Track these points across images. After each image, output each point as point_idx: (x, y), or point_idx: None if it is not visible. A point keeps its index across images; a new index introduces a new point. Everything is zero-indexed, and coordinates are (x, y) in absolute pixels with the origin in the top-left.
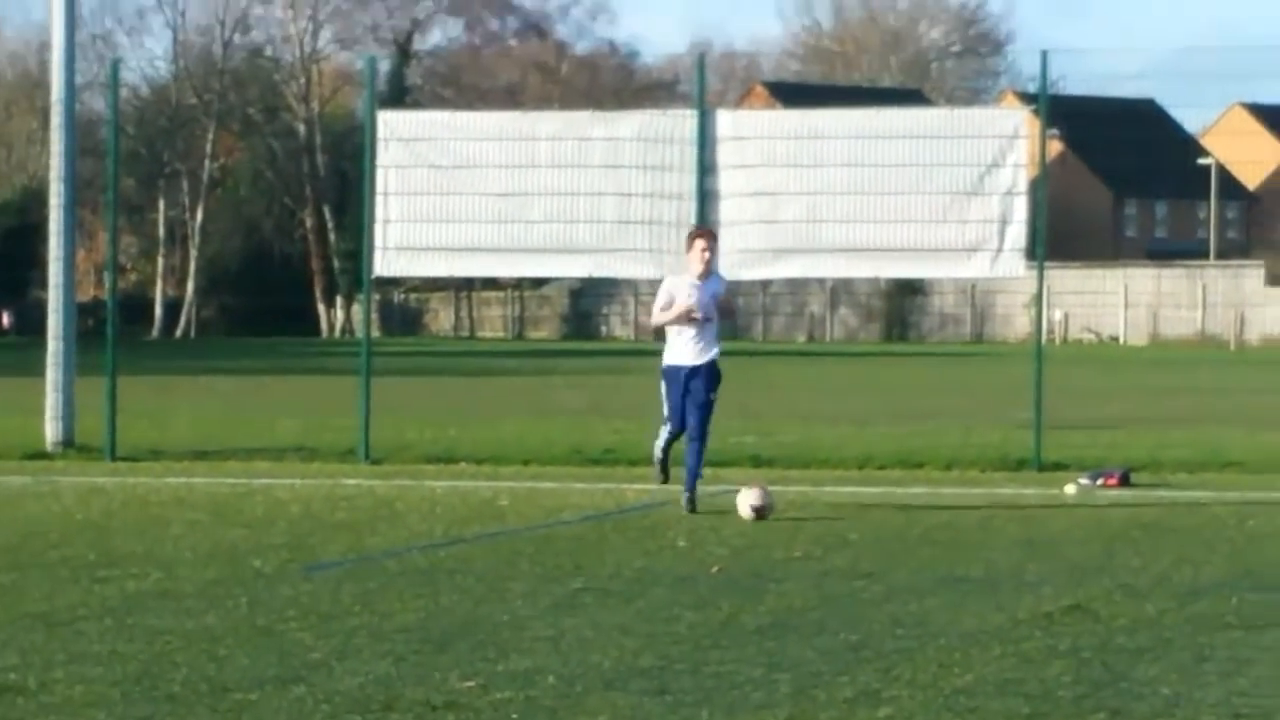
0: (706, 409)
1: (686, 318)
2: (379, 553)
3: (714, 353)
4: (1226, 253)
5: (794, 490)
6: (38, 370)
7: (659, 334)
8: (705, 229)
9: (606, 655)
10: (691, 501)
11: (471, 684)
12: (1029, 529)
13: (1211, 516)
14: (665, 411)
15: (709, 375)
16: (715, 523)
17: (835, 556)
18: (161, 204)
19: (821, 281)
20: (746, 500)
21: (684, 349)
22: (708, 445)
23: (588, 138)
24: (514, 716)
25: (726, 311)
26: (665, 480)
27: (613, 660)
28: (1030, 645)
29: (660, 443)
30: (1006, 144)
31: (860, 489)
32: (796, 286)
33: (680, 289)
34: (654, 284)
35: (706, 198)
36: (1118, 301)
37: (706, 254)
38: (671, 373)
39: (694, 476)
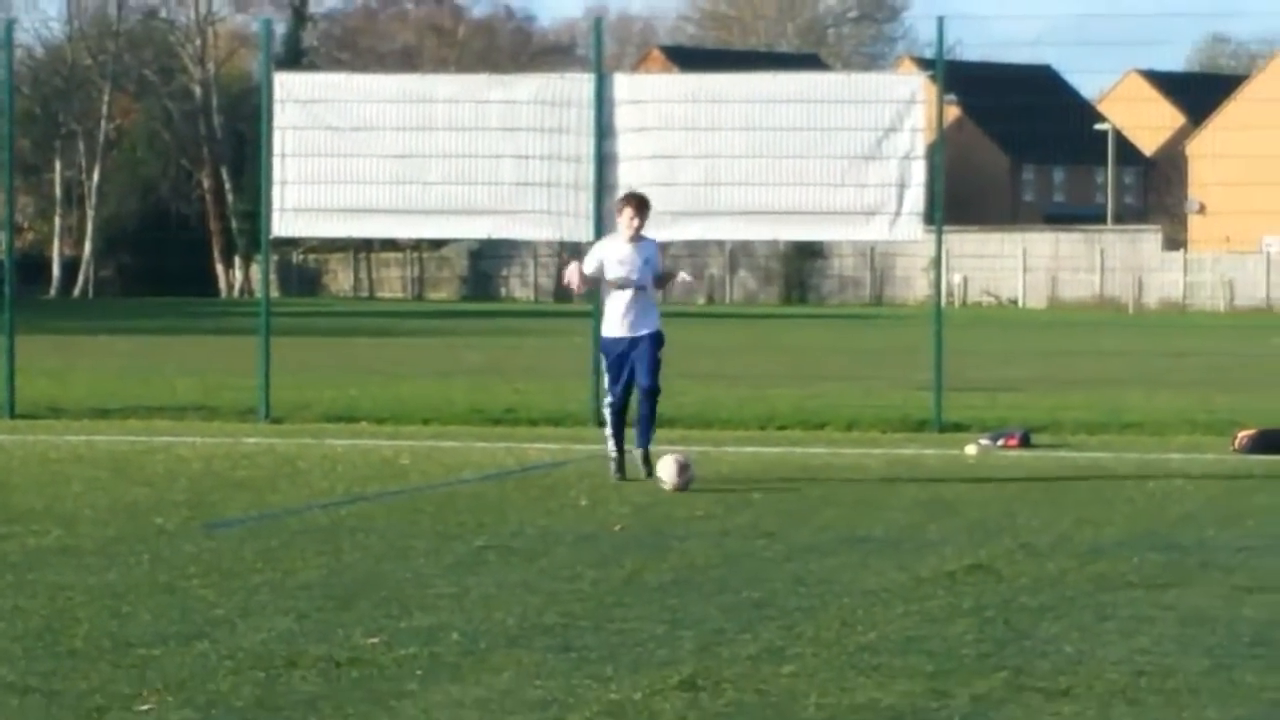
0: (656, 364)
1: (583, 281)
2: (280, 510)
3: (653, 323)
4: (1123, 218)
5: (695, 450)
6: None
7: (580, 295)
8: (633, 196)
9: (510, 612)
10: (646, 460)
11: (375, 640)
12: (930, 489)
13: (1111, 476)
14: (606, 383)
15: (651, 343)
16: (617, 482)
17: (737, 516)
18: (58, 164)
19: (720, 244)
20: (669, 473)
21: (619, 319)
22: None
23: (485, 100)
24: (418, 673)
25: (665, 278)
26: (620, 459)
27: (516, 617)
28: (933, 604)
29: (607, 413)
30: (904, 109)
31: (761, 449)
32: (696, 249)
33: (610, 252)
34: (552, 246)
35: (604, 160)
36: (1016, 265)
37: (635, 221)
38: (609, 344)
39: (646, 433)
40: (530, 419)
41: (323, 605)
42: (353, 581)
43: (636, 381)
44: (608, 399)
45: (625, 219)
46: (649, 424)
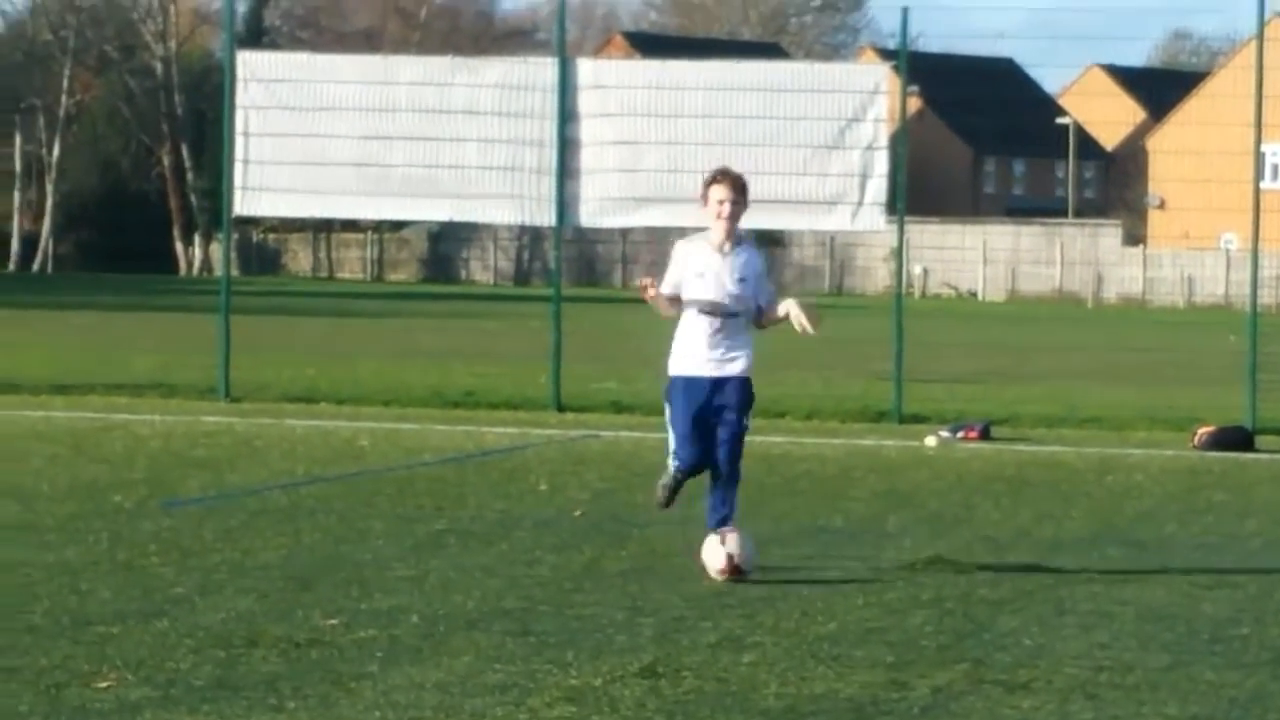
0: (737, 440)
1: (667, 304)
2: (240, 490)
3: (742, 362)
4: (1084, 212)
5: (654, 437)
6: None
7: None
8: (727, 172)
9: (469, 596)
10: (733, 565)
11: (334, 622)
12: (890, 480)
13: (1070, 471)
14: (670, 441)
15: (739, 394)
16: (577, 467)
17: (697, 504)
18: (18, 139)
19: (682, 230)
20: (715, 559)
21: (696, 353)
22: (738, 486)
23: (449, 84)
24: (378, 655)
25: (769, 316)
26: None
27: (476, 601)
28: (893, 595)
29: (665, 480)
30: (867, 99)
31: None
32: (657, 235)
33: (691, 260)
34: (513, 230)
35: (567, 145)
36: (977, 257)
37: (728, 210)
38: (680, 386)
39: (723, 507)
40: (490, 403)
41: (282, 586)
42: (312, 562)
43: (713, 454)
44: (672, 461)
45: (713, 204)
46: (726, 493)
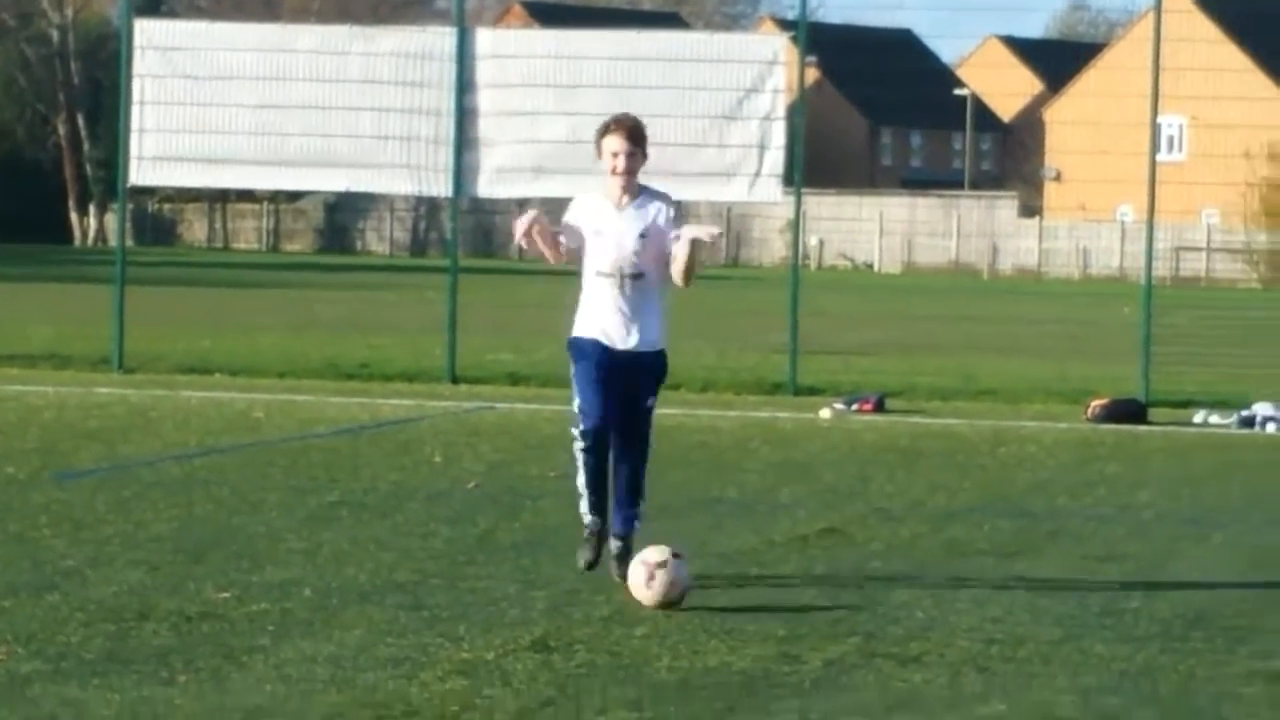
0: (643, 419)
1: (553, 245)
2: (133, 461)
3: (655, 333)
4: (980, 184)
5: (550, 409)
6: None
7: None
8: (622, 121)
9: (362, 569)
10: (624, 555)
11: (227, 595)
12: (784, 452)
13: (964, 442)
14: (574, 404)
15: (650, 369)
16: (471, 439)
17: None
18: None
19: None
20: (639, 583)
21: (603, 317)
22: (646, 467)
23: (346, 52)
24: (270, 628)
25: (687, 259)
26: (597, 531)
27: (368, 574)
28: (786, 568)
29: (577, 451)
30: (765, 70)
31: None
32: (554, 206)
33: (588, 217)
34: (409, 200)
35: (465, 115)
36: (873, 229)
37: (623, 163)
38: (582, 348)
39: (629, 518)
40: (385, 374)
41: (174, 558)
42: (204, 535)
43: (615, 432)
44: (578, 426)
45: (608, 160)
46: (630, 498)
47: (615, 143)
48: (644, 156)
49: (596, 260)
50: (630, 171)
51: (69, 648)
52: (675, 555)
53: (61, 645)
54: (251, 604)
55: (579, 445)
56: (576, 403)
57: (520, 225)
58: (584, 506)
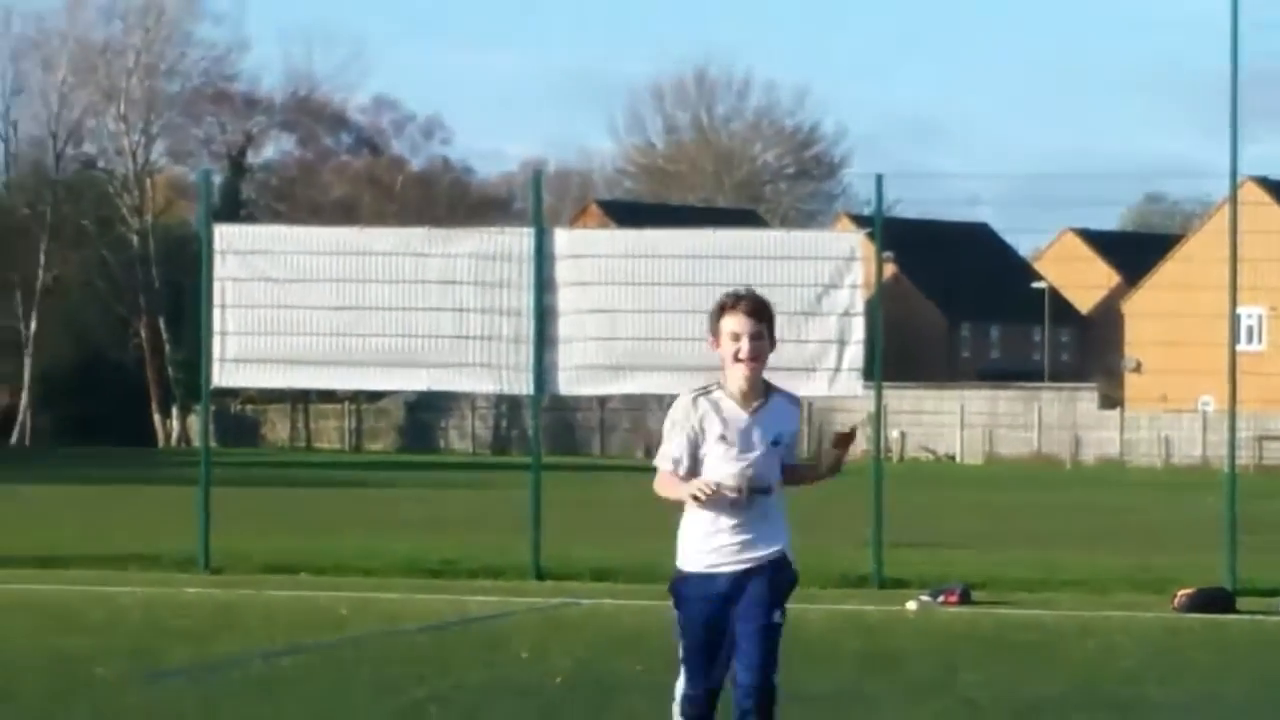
0: (767, 636)
1: (710, 496)
2: (221, 661)
3: (777, 543)
4: (1060, 375)
5: (635, 604)
6: None
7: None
8: (742, 296)
9: None
10: None
11: None
12: (871, 643)
13: (1050, 633)
14: (680, 653)
15: (771, 580)
16: (559, 635)
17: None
18: None
19: (659, 398)
20: None
21: (713, 543)
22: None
23: (424, 254)
24: None
25: (822, 466)
26: None
27: None
28: None
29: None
30: (843, 265)
31: None
32: (635, 403)
33: (708, 423)
34: (490, 398)
35: (545, 314)
36: (954, 421)
37: (745, 344)
38: (688, 590)
39: None
40: (469, 571)
41: None
42: None
43: (737, 671)
44: (679, 691)
45: (728, 344)
46: None
47: (738, 323)
48: (772, 342)
49: (715, 472)
50: (757, 359)
51: None
52: None
53: None
54: None
55: (678, 711)
56: (681, 655)
57: (703, 492)
58: None
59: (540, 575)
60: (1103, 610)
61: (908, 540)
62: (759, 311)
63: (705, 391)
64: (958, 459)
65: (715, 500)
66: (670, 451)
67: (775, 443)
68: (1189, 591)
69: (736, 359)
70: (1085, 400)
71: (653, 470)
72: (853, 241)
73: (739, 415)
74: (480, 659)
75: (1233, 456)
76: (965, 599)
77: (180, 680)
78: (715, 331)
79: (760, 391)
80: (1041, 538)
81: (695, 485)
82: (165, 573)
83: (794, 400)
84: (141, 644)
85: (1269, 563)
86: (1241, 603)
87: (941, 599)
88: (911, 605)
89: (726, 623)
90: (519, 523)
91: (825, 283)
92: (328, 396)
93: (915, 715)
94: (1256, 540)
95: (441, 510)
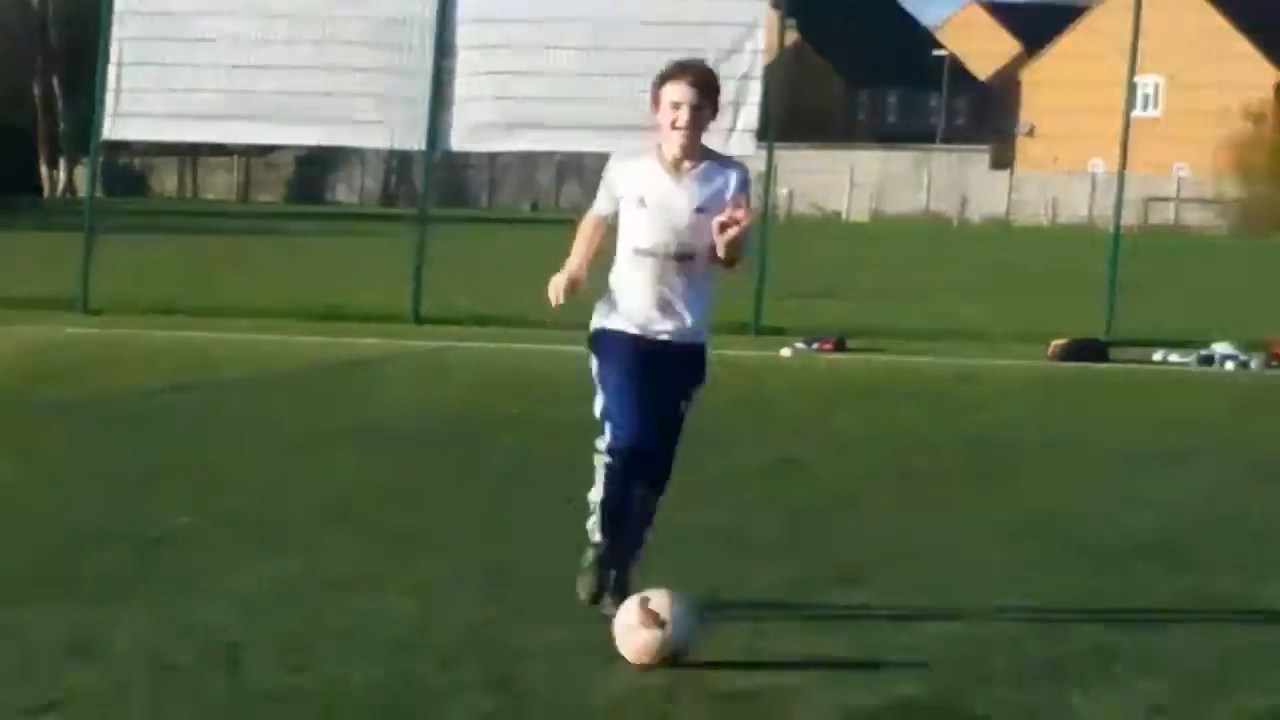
0: (673, 429)
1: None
2: (94, 397)
3: (695, 322)
4: (954, 139)
5: (514, 348)
6: None
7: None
8: (687, 66)
9: (319, 495)
10: (621, 588)
11: (186, 520)
12: (748, 387)
13: (927, 380)
14: (598, 404)
15: (686, 365)
16: (437, 377)
17: (550, 410)
18: None
19: (549, 155)
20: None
21: (637, 300)
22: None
23: (328, 16)
24: (226, 551)
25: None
26: (599, 593)
27: (324, 500)
28: (747, 494)
29: (601, 479)
30: (745, 31)
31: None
32: (525, 159)
33: (639, 183)
34: (381, 155)
35: (443, 77)
36: (844, 181)
37: (684, 112)
38: (610, 346)
39: (629, 549)
40: (352, 316)
41: (133, 486)
42: (165, 464)
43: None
44: (605, 439)
45: (667, 110)
46: (637, 533)
47: (678, 91)
48: (713, 112)
49: (636, 235)
50: (694, 127)
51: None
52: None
53: (6, 570)
54: (209, 529)
55: (606, 461)
56: (601, 408)
57: (556, 292)
58: (593, 523)
59: (420, 321)
60: (980, 359)
61: (790, 292)
62: (703, 84)
63: (635, 155)
64: (844, 215)
65: (639, 258)
66: (597, 206)
67: (700, 210)
68: (1063, 342)
69: (674, 127)
70: (976, 163)
71: (539, 224)
72: (756, 10)
73: (664, 181)
74: (359, 399)
75: (1119, 215)
76: (840, 347)
77: (52, 413)
78: (656, 99)
79: (697, 158)
80: (923, 290)
81: (555, 281)
82: (44, 312)
83: (729, 166)
84: (13, 380)
85: (1144, 314)
86: (1114, 353)
87: (816, 346)
88: (786, 352)
89: (646, 380)
90: (403, 272)
91: (727, 48)
92: (218, 150)
93: (786, 450)
94: (1134, 295)
95: (327, 259)
